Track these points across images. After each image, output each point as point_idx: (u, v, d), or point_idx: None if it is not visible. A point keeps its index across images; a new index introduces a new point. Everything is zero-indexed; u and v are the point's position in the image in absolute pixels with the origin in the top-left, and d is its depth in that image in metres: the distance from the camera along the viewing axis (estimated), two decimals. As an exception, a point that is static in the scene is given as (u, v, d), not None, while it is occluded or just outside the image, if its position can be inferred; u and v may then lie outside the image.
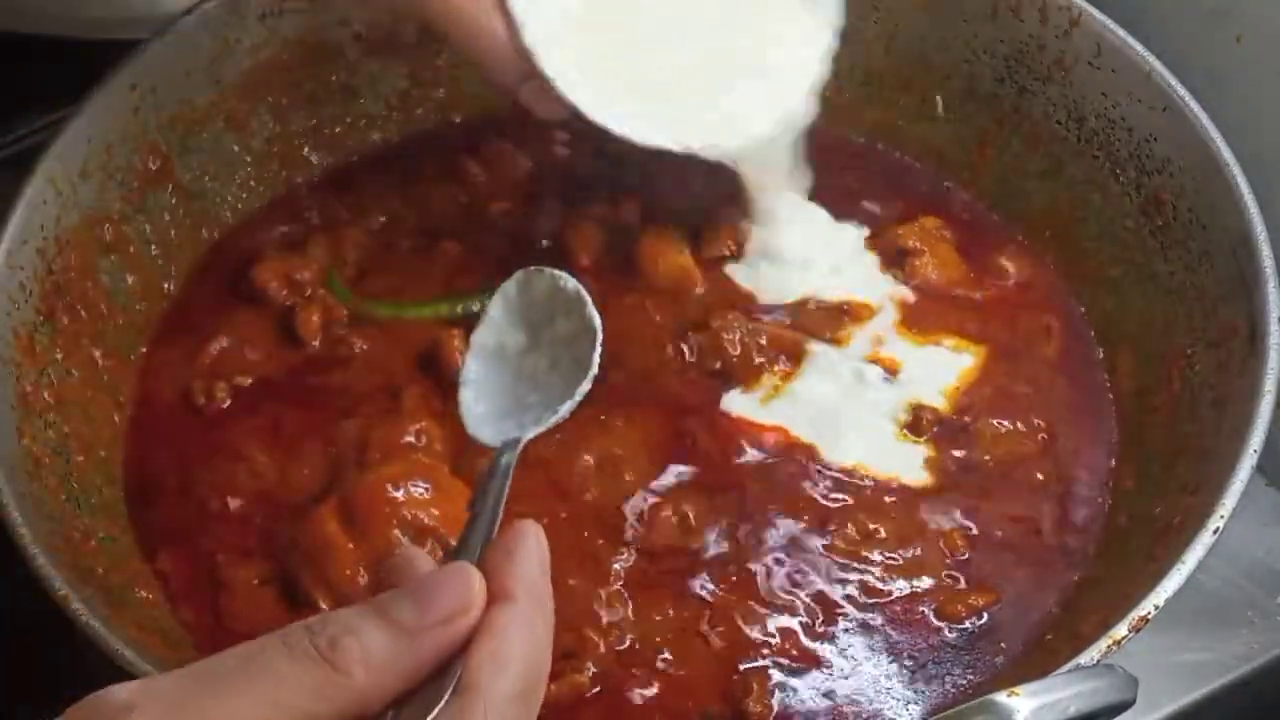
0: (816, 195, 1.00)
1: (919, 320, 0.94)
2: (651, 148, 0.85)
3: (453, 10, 0.79)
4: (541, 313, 0.65)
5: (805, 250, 0.96)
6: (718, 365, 0.90)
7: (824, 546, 0.82)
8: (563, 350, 0.64)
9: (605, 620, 0.79)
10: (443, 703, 0.47)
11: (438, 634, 0.48)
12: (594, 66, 0.82)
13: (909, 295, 0.95)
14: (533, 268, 0.65)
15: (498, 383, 0.64)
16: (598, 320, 0.63)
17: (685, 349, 0.90)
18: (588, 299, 0.64)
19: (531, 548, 0.52)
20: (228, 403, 0.89)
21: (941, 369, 0.91)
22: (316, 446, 0.86)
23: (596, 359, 0.62)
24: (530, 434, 0.60)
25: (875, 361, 0.91)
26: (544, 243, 0.97)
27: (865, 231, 0.99)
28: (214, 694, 0.44)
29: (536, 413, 0.61)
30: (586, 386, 0.62)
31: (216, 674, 0.45)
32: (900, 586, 0.81)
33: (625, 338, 0.90)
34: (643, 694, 0.77)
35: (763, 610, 0.80)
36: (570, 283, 0.64)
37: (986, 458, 0.88)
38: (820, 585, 0.81)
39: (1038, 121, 1.00)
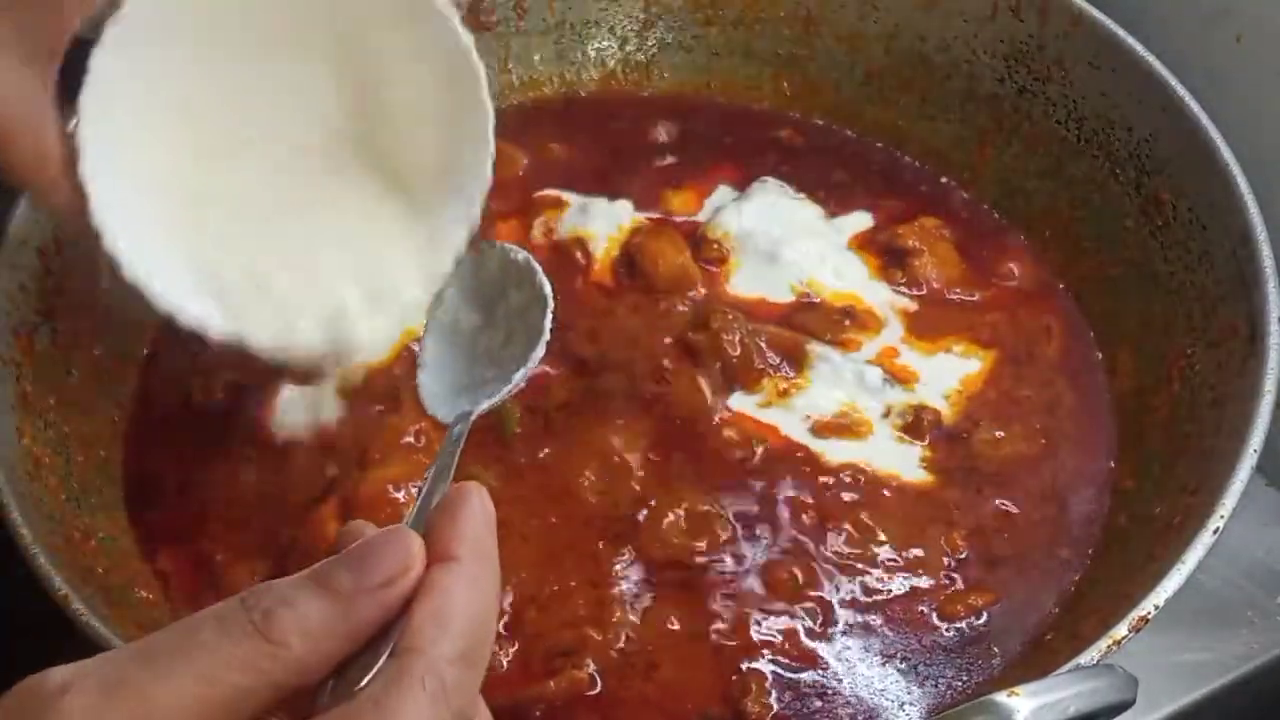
0: (817, 195, 1.01)
1: (925, 327, 0.94)
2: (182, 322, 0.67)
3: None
4: (495, 287, 0.65)
5: (804, 251, 0.96)
6: (718, 366, 0.90)
7: (824, 547, 0.82)
8: (517, 322, 0.63)
9: (605, 620, 0.79)
10: (379, 664, 0.46)
11: (376, 597, 0.47)
12: (156, 232, 0.66)
13: (910, 303, 0.95)
14: (484, 242, 0.65)
15: (454, 361, 0.64)
16: (548, 288, 0.63)
17: (686, 349, 0.90)
18: (538, 268, 0.64)
19: (475, 508, 0.50)
20: (227, 402, 0.89)
21: (947, 373, 0.92)
22: (316, 446, 0.86)
23: (548, 325, 0.62)
24: (483, 406, 0.60)
25: (889, 372, 0.91)
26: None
27: (864, 231, 0.99)
28: (149, 672, 0.44)
29: (492, 387, 0.61)
30: (540, 353, 0.62)
31: (153, 651, 0.45)
32: (900, 586, 0.81)
33: (625, 338, 0.91)
34: (641, 694, 0.77)
35: (762, 610, 0.80)
36: (520, 254, 0.64)
37: (987, 458, 0.88)
38: (820, 585, 0.81)
39: (1038, 121, 1.00)
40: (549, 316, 0.62)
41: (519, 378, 0.61)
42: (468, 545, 0.49)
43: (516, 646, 0.77)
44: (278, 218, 0.69)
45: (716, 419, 0.88)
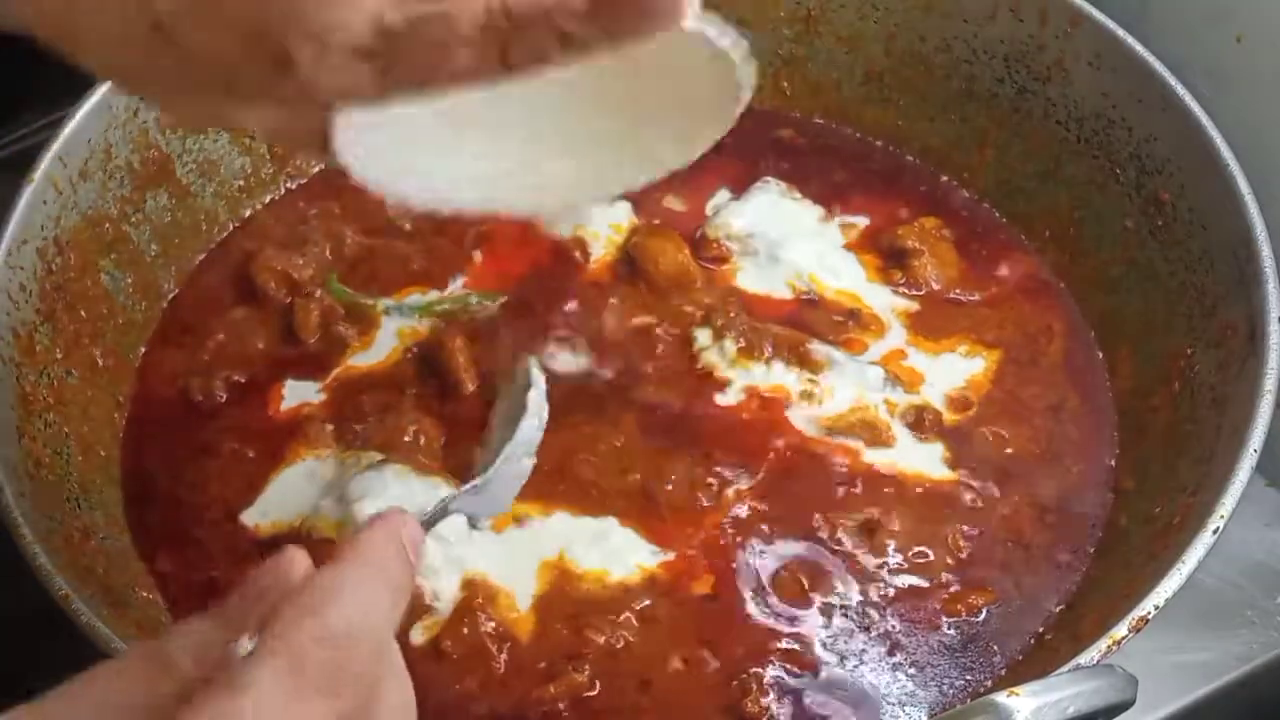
0: (817, 195, 1.01)
1: (927, 328, 0.94)
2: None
3: None
4: (520, 399, 0.71)
5: (803, 251, 0.96)
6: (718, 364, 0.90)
7: (827, 547, 0.82)
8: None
9: (606, 620, 0.78)
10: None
11: (259, 606, 0.49)
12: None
13: (910, 303, 0.95)
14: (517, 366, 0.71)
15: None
16: (535, 370, 0.69)
17: (688, 348, 0.91)
18: (533, 360, 0.71)
19: (390, 523, 0.53)
20: (226, 401, 0.89)
21: (952, 374, 0.92)
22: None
23: (534, 401, 0.66)
24: (474, 481, 0.68)
25: (892, 373, 0.91)
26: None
27: (864, 232, 0.99)
28: (54, 701, 0.47)
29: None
30: (530, 425, 0.67)
31: (62, 689, 0.47)
32: (901, 586, 0.81)
33: (628, 337, 0.91)
34: (642, 696, 0.77)
35: (763, 610, 0.80)
36: (525, 359, 0.72)
37: (989, 458, 0.88)
38: (822, 585, 0.81)
39: (1038, 121, 1.00)
40: (536, 392, 0.66)
41: (508, 450, 0.65)
42: (357, 551, 0.51)
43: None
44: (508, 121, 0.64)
45: (718, 418, 0.88)
